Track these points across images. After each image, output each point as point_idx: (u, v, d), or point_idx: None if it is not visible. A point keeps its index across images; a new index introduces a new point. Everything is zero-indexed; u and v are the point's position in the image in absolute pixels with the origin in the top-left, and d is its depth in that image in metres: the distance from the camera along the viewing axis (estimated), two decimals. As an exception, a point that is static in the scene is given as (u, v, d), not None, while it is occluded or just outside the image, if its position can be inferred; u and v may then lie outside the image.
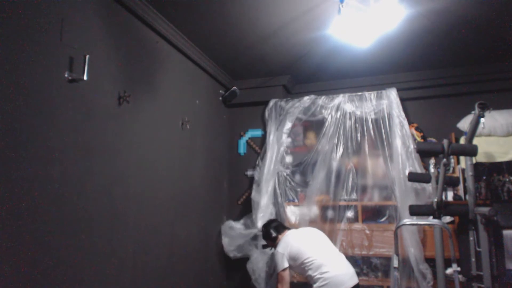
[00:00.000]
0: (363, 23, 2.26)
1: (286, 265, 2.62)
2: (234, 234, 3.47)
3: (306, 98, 3.72)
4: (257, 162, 3.72)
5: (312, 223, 3.44)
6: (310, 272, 2.54)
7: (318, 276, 2.49)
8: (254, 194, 3.54)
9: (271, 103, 3.79)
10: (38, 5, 1.64)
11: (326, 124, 3.65)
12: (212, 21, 2.64)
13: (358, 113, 3.62)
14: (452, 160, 3.36)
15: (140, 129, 2.35)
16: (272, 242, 2.87)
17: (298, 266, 2.61)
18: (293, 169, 3.76)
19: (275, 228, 2.89)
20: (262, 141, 3.89)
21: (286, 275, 2.63)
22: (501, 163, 3.17)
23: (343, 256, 2.68)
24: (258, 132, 3.91)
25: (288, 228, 2.93)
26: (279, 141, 3.65)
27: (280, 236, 2.83)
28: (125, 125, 2.20)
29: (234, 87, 3.71)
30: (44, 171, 1.63)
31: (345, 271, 2.52)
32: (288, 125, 3.69)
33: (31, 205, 1.55)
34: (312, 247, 2.61)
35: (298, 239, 2.70)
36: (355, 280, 2.53)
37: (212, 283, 3.31)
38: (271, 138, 3.67)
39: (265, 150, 3.67)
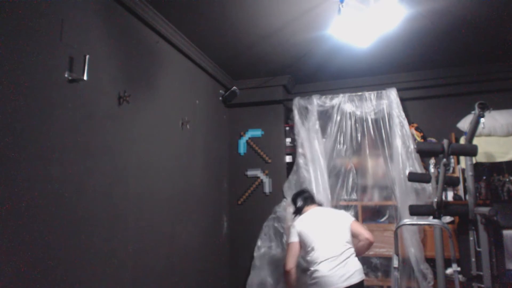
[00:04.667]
0: (363, 23, 2.25)
1: (295, 239, 2.63)
2: None
3: (323, 97, 3.73)
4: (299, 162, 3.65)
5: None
6: (307, 264, 2.58)
7: (311, 272, 2.52)
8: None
9: (296, 101, 3.77)
10: (38, 5, 1.64)
11: (329, 124, 3.65)
12: (212, 21, 2.63)
13: (358, 113, 3.62)
14: (452, 160, 3.36)
15: (140, 129, 2.35)
16: (297, 210, 2.85)
17: (303, 249, 2.64)
18: (293, 169, 3.77)
19: (305, 199, 2.86)
20: (262, 141, 3.89)
21: (294, 247, 2.64)
22: (501, 163, 3.17)
23: (348, 253, 2.54)
24: (258, 132, 3.91)
25: (316, 204, 2.89)
26: (312, 139, 3.63)
27: (306, 208, 2.81)
28: (125, 125, 2.20)
29: (234, 87, 3.71)
30: (44, 171, 1.62)
31: (338, 272, 2.43)
32: (316, 123, 3.67)
33: (31, 205, 1.55)
34: (318, 238, 2.57)
35: (313, 222, 2.67)
36: (351, 281, 2.43)
37: (212, 283, 3.31)
38: (304, 136, 3.65)
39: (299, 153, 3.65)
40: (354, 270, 2.49)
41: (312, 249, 2.55)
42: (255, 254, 3.47)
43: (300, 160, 3.61)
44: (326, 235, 2.60)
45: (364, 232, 2.65)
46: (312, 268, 2.52)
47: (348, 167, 3.57)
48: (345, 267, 2.48)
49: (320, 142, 3.59)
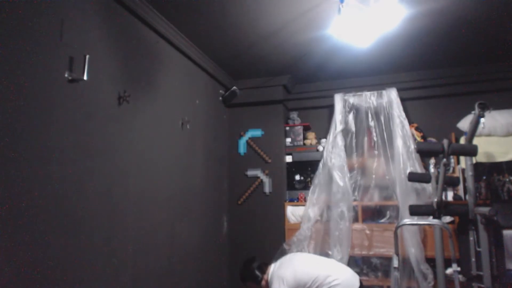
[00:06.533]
0: (363, 23, 2.25)
1: None
2: None
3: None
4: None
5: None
6: None
7: (328, 287, 2.40)
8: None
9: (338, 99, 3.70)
10: (38, 5, 1.64)
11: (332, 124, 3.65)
12: (212, 21, 2.63)
13: (358, 113, 3.62)
14: (452, 160, 3.36)
15: (140, 129, 2.35)
16: (257, 284, 2.61)
17: None
18: (293, 169, 3.77)
19: (259, 268, 2.63)
20: (262, 141, 3.89)
21: None
22: (501, 163, 3.17)
23: (335, 260, 2.67)
24: (258, 132, 3.91)
25: (268, 264, 2.68)
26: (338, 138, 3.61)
27: (265, 276, 2.59)
28: (125, 125, 2.20)
29: (234, 87, 3.71)
30: (44, 171, 1.62)
31: (350, 273, 2.50)
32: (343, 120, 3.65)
33: (31, 205, 1.55)
34: (308, 266, 2.49)
35: (288, 267, 2.52)
36: (358, 277, 2.52)
37: (212, 283, 3.31)
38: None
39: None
40: (351, 269, 2.58)
41: (316, 278, 2.40)
42: None
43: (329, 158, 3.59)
44: (310, 261, 2.57)
45: None
46: (327, 284, 2.38)
47: (349, 167, 3.57)
48: (347, 267, 2.57)
49: (342, 140, 3.58)
